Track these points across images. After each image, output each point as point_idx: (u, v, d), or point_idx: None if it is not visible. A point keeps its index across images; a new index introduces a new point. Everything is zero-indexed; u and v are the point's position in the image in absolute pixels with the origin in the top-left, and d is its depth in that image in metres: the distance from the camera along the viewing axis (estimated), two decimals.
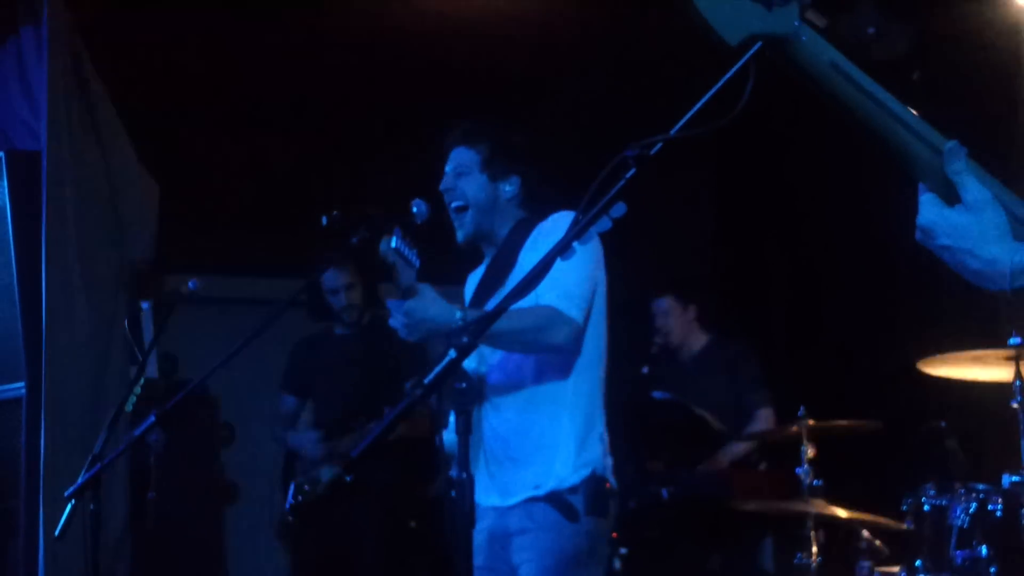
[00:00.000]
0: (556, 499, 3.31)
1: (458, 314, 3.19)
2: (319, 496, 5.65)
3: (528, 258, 3.40)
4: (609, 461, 3.43)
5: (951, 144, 1.59)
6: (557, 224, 3.40)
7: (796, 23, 1.55)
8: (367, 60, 6.08)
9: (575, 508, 3.30)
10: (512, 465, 3.39)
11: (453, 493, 2.16)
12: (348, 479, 5.62)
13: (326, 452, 5.73)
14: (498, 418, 3.43)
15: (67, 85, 4.95)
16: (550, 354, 3.35)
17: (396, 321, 3.27)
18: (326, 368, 5.90)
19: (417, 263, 3.26)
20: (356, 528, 5.64)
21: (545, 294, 3.28)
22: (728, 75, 1.65)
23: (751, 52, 1.57)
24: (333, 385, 5.87)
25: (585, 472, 3.33)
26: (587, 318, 3.37)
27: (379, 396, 5.79)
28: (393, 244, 3.21)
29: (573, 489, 3.31)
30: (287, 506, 5.74)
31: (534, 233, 3.45)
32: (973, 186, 1.57)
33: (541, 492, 3.32)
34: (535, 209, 3.54)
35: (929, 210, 1.59)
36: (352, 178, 6.14)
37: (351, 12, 5.80)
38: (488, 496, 3.40)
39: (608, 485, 3.37)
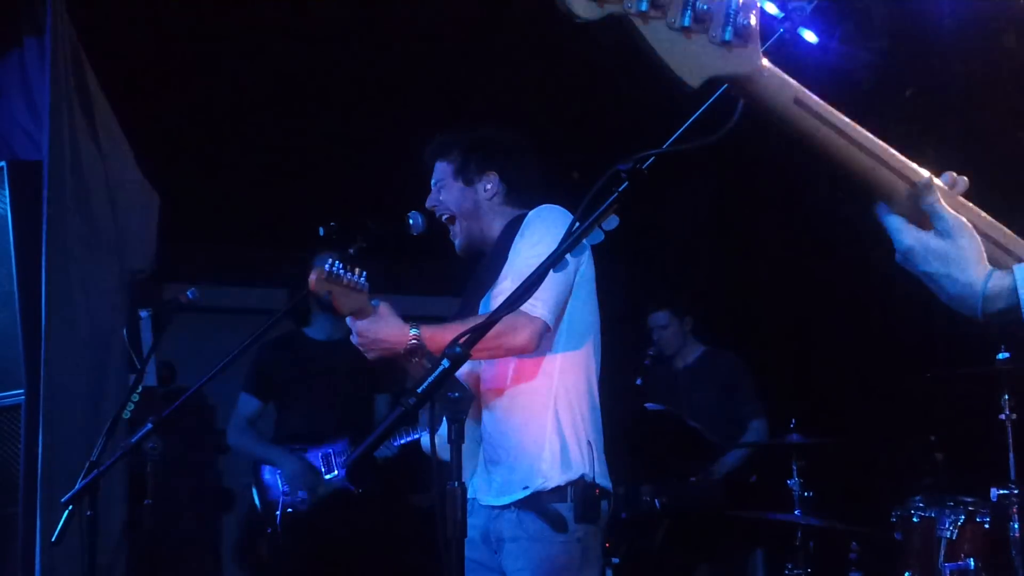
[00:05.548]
0: (545, 507, 3.33)
1: (412, 331, 3.23)
2: (317, 506, 5.52)
3: (515, 248, 3.42)
4: (602, 467, 3.43)
5: (925, 180, 1.60)
6: (541, 215, 3.45)
7: (757, 62, 1.53)
8: (365, 76, 6.11)
9: (564, 517, 3.32)
10: (504, 464, 3.43)
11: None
12: (359, 491, 5.53)
13: (300, 465, 5.56)
14: (490, 419, 3.48)
15: (69, 96, 4.99)
16: (518, 356, 3.36)
17: (354, 340, 3.32)
18: (300, 374, 5.71)
19: (366, 285, 3.25)
20: (347, 538, 5.55)
21: None
22: (710, 101, 1.65)
23: (718, 92, 1.57)
24: (307, 392, 5.69)
25: (572, 476, 3.34)
26: (558, 319, 3.38)
27: (353, 407, 5.70)
28: (327, 269, 3.18)
29: (559, 490, 3.33)
30: (277, 519, 5.51)
31: (521, 227, 3.47)
32: (948, 214, 1.60)
33: (528, 492, 3.34)
34: (524, 204, 3.57)
35: (907, 234, 1.62)
36: (350, 190, 6.17)
37: (355, 29, 5.83)
38: (486, 494, 3.46)
39: (598, 491, 3.38)
